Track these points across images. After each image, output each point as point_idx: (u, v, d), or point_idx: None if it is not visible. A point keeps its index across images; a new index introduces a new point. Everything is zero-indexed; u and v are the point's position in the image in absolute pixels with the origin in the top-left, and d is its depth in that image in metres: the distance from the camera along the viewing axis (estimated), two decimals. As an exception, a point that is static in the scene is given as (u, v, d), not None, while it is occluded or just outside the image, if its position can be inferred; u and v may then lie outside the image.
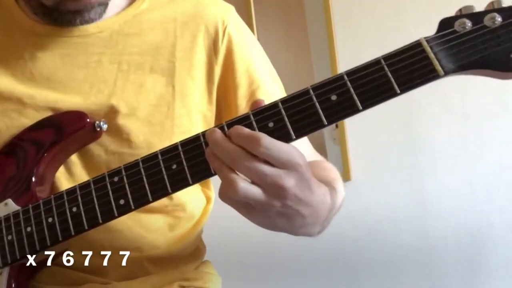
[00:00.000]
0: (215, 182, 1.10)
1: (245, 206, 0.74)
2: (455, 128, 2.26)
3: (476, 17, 0.73)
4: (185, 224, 1.04)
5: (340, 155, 2.34)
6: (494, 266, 2.23)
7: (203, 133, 0.78)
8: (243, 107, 1.00)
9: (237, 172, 0.73)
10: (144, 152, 0.88)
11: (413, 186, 2.30)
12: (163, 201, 0.98)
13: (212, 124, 1.00)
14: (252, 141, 0.72)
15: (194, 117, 0.99)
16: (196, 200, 1.06)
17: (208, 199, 1.10)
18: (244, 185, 0.71)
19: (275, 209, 0.73)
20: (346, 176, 2.33)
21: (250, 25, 2.39)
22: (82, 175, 0.95)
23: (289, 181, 0.72)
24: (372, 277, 2.33)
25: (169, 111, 0.97)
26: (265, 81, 1.04)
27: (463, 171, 2.25)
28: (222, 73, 1.01)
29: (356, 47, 2.30)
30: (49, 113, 0.94)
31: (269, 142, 0.71)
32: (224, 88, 1.02)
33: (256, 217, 0.76)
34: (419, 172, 2.30)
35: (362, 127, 2.28)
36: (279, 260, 2.23)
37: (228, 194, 0.72)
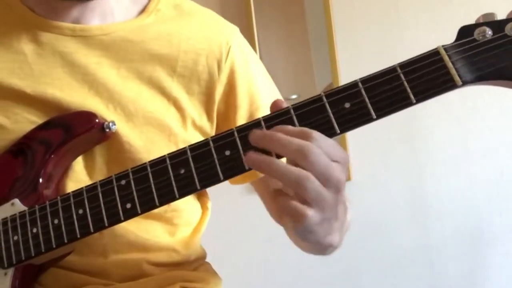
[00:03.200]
0: (212, 189, 1.10)
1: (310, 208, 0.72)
2: (455, 128, 2.26)
3: (497, 25, 0.71)
4: (183, 230, 1.04)
5: (340, 155, 2.34)
6: (494, 266, 2.24)
7: (212, 139, 0.78)
8: None
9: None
10: (144, 157, 0.88)
11: (413, 186, 2.31)
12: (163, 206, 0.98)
13: None
14: (304, 135, 0.71)
15: (190, 130, 1.00)
16: (192, 208, 1.06)
17: (204, 208, 1.10)
18: (313, 179, 0.70)
19: (329, 206, 0.73)
20: (346, 176, 2.33)
21: (250, 25, 2.39)
22: (83, 175, 0.95)
23: (342, 175, 0.73)
24: (372, 277, 2.33)
25: (163, 122, 0.97)
26: (264, 103, 1.04)
27: (463, 171, 2.26)
28: (224, 92, 1.02)
29: (356, 47, 2.30)
30: (48, 110, 0.94)
31: (319, 135, 0.71)
32: (224, 107, 1.03)
33: (312, 220, 0.73)
34: (419, 172, 2.30)
35: (362, 127, 2.28)
36: (279, 260, 2.23)
37: (303, 191, 0.70)
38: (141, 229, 0.97)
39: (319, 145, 0.71)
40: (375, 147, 2.31)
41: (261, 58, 2.40)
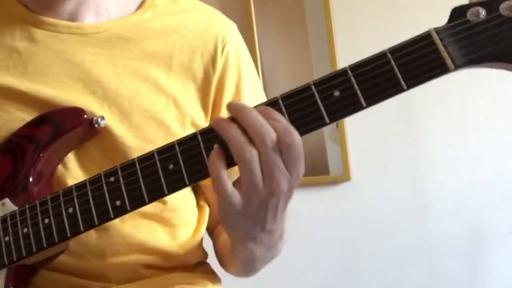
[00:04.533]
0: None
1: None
2: (455, 128, 2.25)
3: (491, 5, 0.68)
4: (183, 232, 1.03)
5: (340, 155, 2.33)
6: (494, 266, 2.23)
7: (200, 132, 0.77)
8: None
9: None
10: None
11: (413, 186, 2.30)
12: (158, 205, 0.97)
13: None
14: (286, 132, 0.72)
15: (188, 130, 0.99)
16: (191, 207, 1.05)
17: (203, 207, 1.09)
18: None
19: (258, 202, 0.75)
20: (346, 176, 2.33)
21: (250, 25, 2.39)
22: (77, 172, 0.94)
23: (286, 187, 0.74)
24: (372, 277, 2.33)
25: (162, 120, 0.96)
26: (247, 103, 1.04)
27: (463, 171, 2.25)
28: (215, 88, 1.02)
29: (356, 47, 2.29)
30: (42, 108, 0.93)
31: (296, 142, 0.72)
32: (213, 103, 1.02)
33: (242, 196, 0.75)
34: (419, 172, 2.30)
35: (362, 127, 2.28)
36: (279, 260, 2.23)
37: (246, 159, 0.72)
38: (140, 231, 0.97)
39: (290, 145, 0.72)
40: (375, 146, 2.31)
41: (261, 58, 2.41)
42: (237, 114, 0.74)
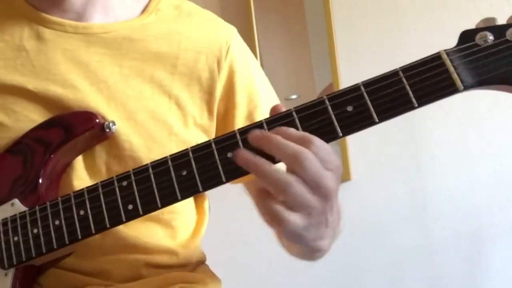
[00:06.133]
0: (211, 192, 1.10)
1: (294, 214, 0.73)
2: (455, 128, 2.26)
3: (498, 30, 0.72)
4: (183, 233, 1.04)
5: (340, 155, 2.34)
6: (494, 266, 2.24)
7: (214, 140, 0.78)
8: (240, 125, 1.00)
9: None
10: (143, 155, 0.88)
11: (413, 186, 2.31)
12: None
13: None
14: (303, 141, 0.72)
15: (191, 129, 1.00)
16: (189, 209, 1.06)
17: (201, 208, 1.10)
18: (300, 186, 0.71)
19: (317, 212, 0.74)
20: (346, 176, 2.33)
21: (250, 25, 2.40)
22: (82, 172, 0.94)
23: (334, 183, 0.74)
24: (372, 277, 2.33)
25: (165, 121, 0.97)
26: (263, 102, 1.06)
27: (463, 171, 2.26)
28: (223, 91, 1.03)
29: (356, 47, 2.30)
30: (49, 107, 0.94)
31: (318, 142, 0.72)
32: (224, 106, 1.04)
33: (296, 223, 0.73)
34: (419, 172, 2.30)
35: (362, 127, 2.28)
36: (278, 260, 2.23)
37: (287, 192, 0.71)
38: (141, 232, 0.97)
39: (316, 152, 0.72)
40: (375, 147, 2.31)
41: (261, 58, 2.41)
42: (263, 145, 0.74)
